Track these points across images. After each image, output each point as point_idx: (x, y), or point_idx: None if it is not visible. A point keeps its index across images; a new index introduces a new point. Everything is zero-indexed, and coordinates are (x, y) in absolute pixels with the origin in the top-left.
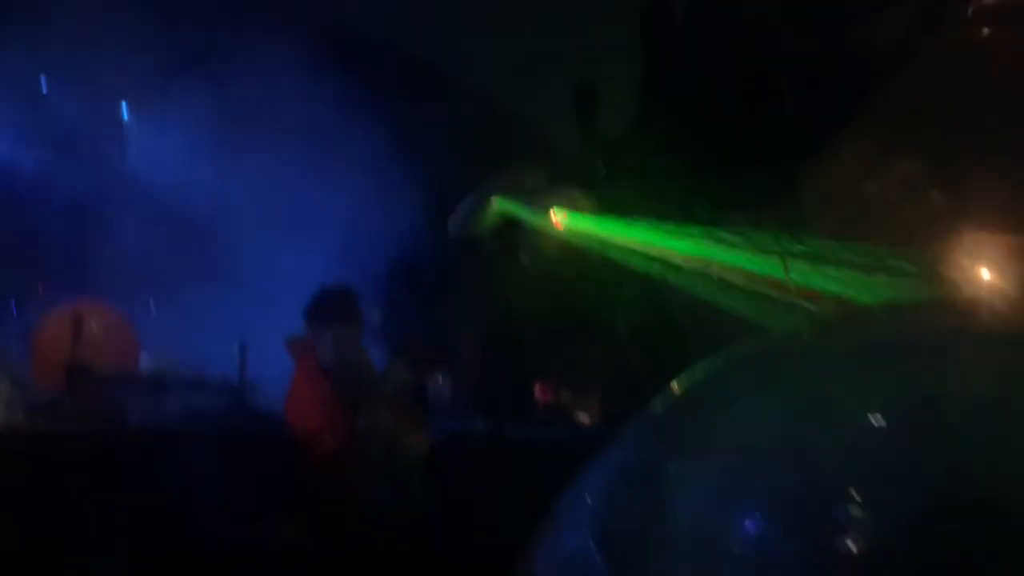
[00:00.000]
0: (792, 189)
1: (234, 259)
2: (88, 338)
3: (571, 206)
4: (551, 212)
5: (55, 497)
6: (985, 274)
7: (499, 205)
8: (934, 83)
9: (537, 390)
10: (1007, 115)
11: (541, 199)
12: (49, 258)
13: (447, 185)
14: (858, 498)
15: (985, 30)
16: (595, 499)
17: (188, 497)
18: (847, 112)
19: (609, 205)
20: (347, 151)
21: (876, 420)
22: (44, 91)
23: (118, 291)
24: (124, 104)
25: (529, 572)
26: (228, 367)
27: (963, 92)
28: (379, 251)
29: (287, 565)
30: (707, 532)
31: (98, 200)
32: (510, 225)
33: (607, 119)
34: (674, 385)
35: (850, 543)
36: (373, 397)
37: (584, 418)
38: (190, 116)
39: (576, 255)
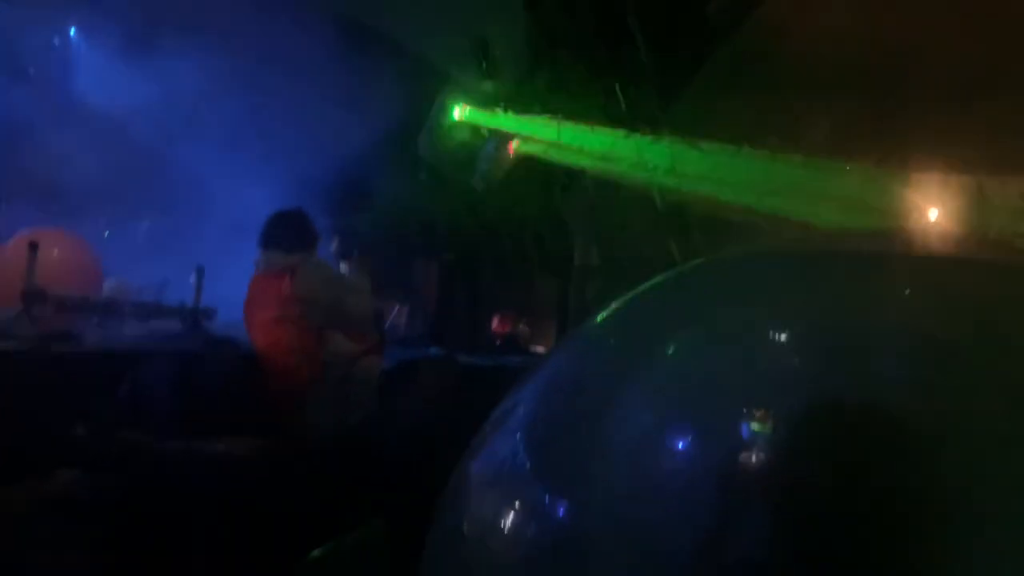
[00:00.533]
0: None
1: (189, 185)
2: (47, 263)
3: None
4: (507, 138)
5: (10, 414)
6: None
7: (462, 117)
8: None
9: (495, 322)
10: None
11: (499, 113)
12: (3, 182)
13: (402, 108)
14: (772, 413)
15: None
16: (528, 408)
17: (144, 414)
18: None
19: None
20: (300, 75)
21: (793, 338)
22: None
23: (76, 217)
24: (72, 28)
25: (463, 479)
26: (185, 292)
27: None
28: (333, 175)
29: (240, 480)
30: (637, 443)
31: (48, 124)
32: (469, 148)
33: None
34: (613, 303)
35: (763, 457)
36: (335, 320)
37: (541, 348)
38: (140, 42)
39: (534, 182)
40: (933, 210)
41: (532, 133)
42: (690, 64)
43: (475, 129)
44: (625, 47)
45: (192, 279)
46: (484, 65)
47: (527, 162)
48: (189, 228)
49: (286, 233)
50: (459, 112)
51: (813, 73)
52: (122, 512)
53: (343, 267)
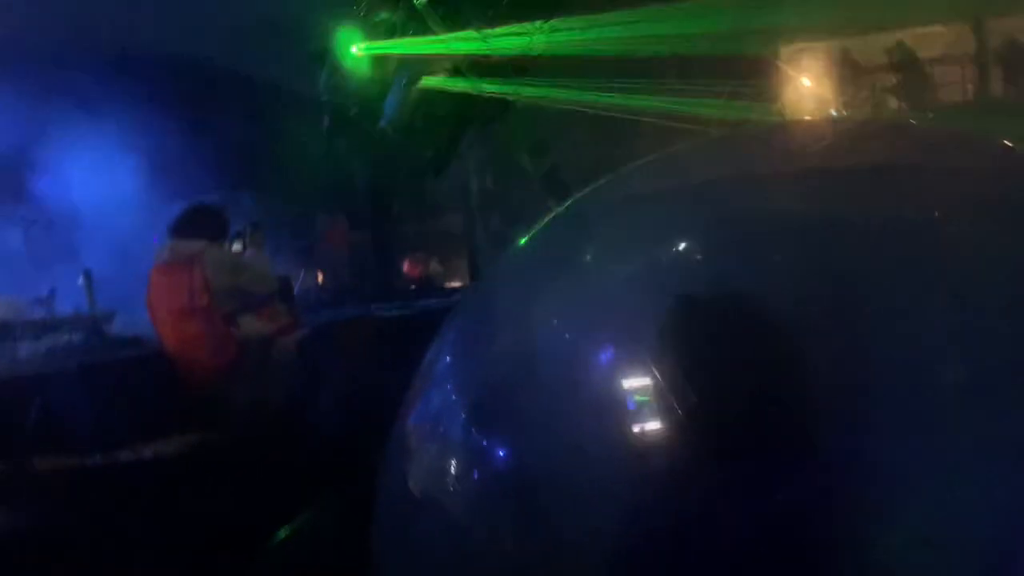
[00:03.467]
0: None
1: (54, 187)
2: None
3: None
4: (413, 74)
5: None
6: (793, 79)
7: (361, 53)
8: None
9: (407, 266)
10: None
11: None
12: None
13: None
14: (683, 308)
15: None
16: (454, 352)
17: (59, 437)
18: None
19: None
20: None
21: (683, 254)
22: None
23: None
24: None
25: (402, 433)
26: (77, 301)
27: None
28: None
29: (176, 482)
30: (564, 368)
31: None
32: (374, 87)
33: None
34: (514, 243)
35: (681, 355)
36: (242, 302)
37: (456, 284)
38: None
39: (431, 116)
40: (805, 80)
41: (439, 51)
42: None
43: (378, 65)
44: None
45: (80, 283)
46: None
47: (425, 96)
48: (64, 233)
49: (194, 223)
50: (357, 49)
51: None
52: (53, 538)
53: (236, 246)
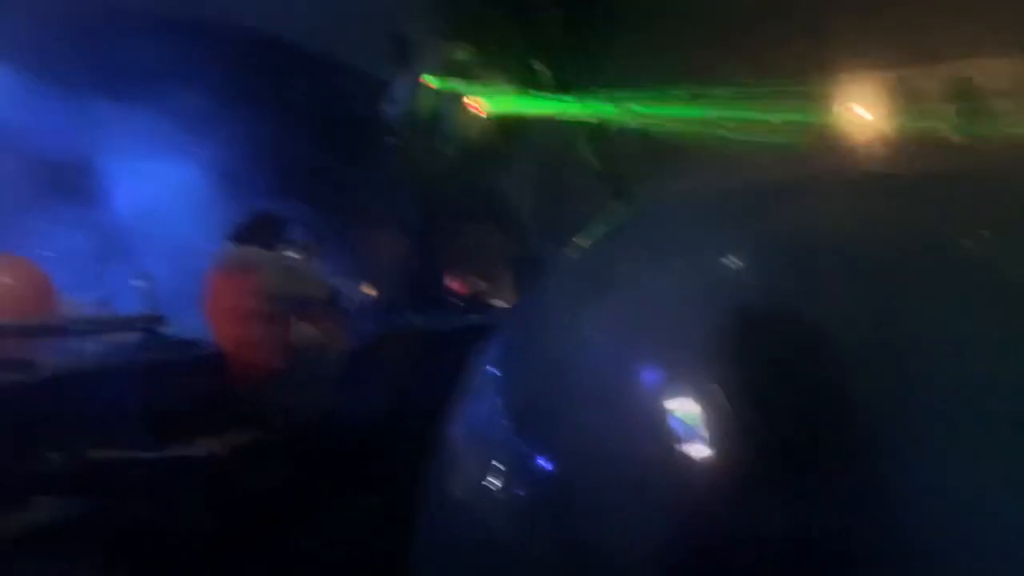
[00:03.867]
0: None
1: (121, 195)
2: None
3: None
4: (469, 97)
5: None
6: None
7: (429, 83)
8: None
9: (455, 284)
10: None
11: (466, 78)
12: None
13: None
14: (728, 330)
15: None
16: (499, 367)
17: (116, 431)
18: None
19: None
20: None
21: (739, 271)
22: None
23: (12, 242)
24: None
25: (445, 443)
26: (137, 301)
27: None
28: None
29: (222, 480)
30: (608, 383)
31: None
32: (428, 110)
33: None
34: (566, 256)
35: (724, 377)
36: (298, 310)
37: (502, 303)
38: (51, 56)
39: (492, 140)
40: (861, 111)
41: (482, 96)
42: (606, 20)
43: (438, 94)
44: (541, 16)
45: (140, 285)
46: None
47: (480, 122)
48: (125, 236)
49: (256, 230)
50: (422, 79)
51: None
52: (108, 530)
53: (294, 254)
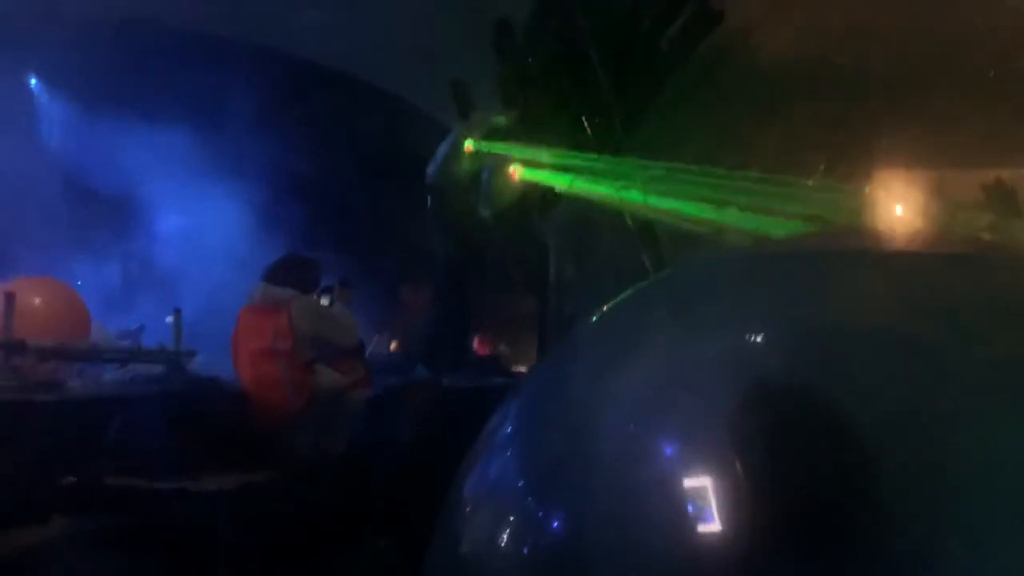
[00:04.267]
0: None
1: (164, 230)
2: (32, 311)
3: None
4: (508, 164)
5: None
6: (891, 205)
7: (472, 147)
8: None
9: (476, 343)
10: None
11: (507, 141)
12: None
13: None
14: (750, 408)
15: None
16: (516, 424)
17: (133, 457)
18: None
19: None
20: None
21: (765, 341)
22: None
23: (52, 265)
24: (34, 79)
25: (458, 500)
26: (166, 334)
27: None
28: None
29: (233, 516)
30: (623, 457)
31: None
32: (469, 174)
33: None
34: (591, 318)
35: (743, 450)
36: (324, 353)
37: (522, 368)
38: (101, 88)
39: (526, 204)
40: (895, 207)
41: (521, 157)
42: (649, 91)
43: (479, 158)
44: (590, 81)
45: (169, 320)
46: (465, 103)
47: (516, 186)
48: (159, 270)
49: (289, 271)
50: (465, 143)
51: (762, 90)
52: (118, 555)
53: (325, 300)
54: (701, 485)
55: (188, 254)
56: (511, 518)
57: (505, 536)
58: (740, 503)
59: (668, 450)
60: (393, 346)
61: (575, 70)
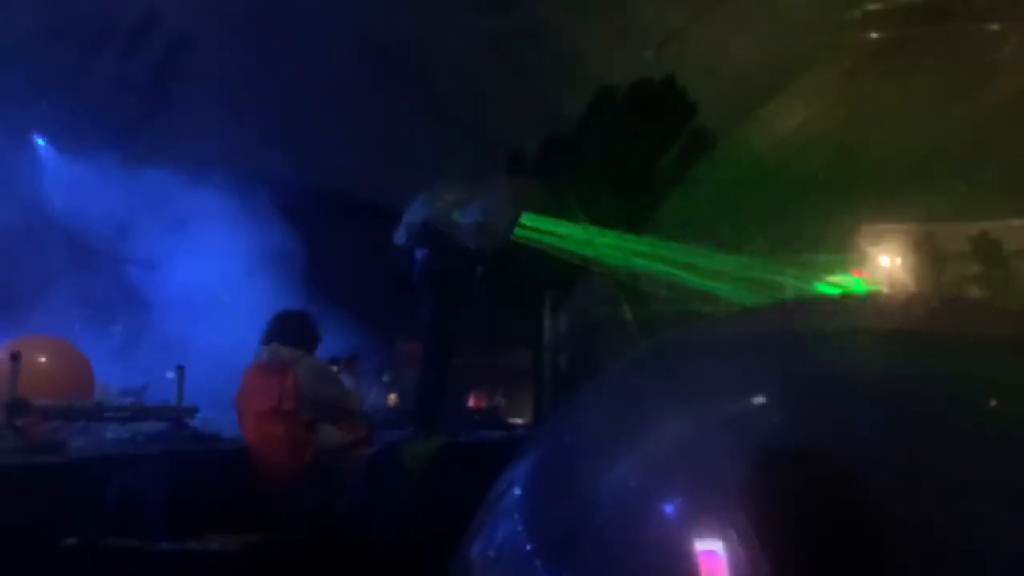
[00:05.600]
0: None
1: (164, 289)
2: (36, 371)
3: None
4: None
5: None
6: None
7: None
8: None
9: (472, 398)
10: None
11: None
12: None
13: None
14: (755, 474)
15: None
16: (523, 489)
17: (134, 518)
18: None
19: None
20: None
21: (764, 407)
22: None
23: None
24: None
25: (465, 562)
26: (168, 392)
27: None
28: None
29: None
30: (626, 520)
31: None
32: (474, 236)
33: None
34: (592, 382)
35: (750, 516)
36: (327, 414)
37: (517, 421)
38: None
39: (530, 268)
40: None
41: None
42: (650, 204)
43: (483, 225)
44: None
45: (171, 377)
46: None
47: (522, 251)
48: (161, 327)
49: (292, 330)
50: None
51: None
52: None
53: (332, 368)
54: (708, 550)
55: (192, 311)
56: None
57: None
58: (747, 569)
59: (674, 516)
60: (392, 399)
61: (582, 192)
